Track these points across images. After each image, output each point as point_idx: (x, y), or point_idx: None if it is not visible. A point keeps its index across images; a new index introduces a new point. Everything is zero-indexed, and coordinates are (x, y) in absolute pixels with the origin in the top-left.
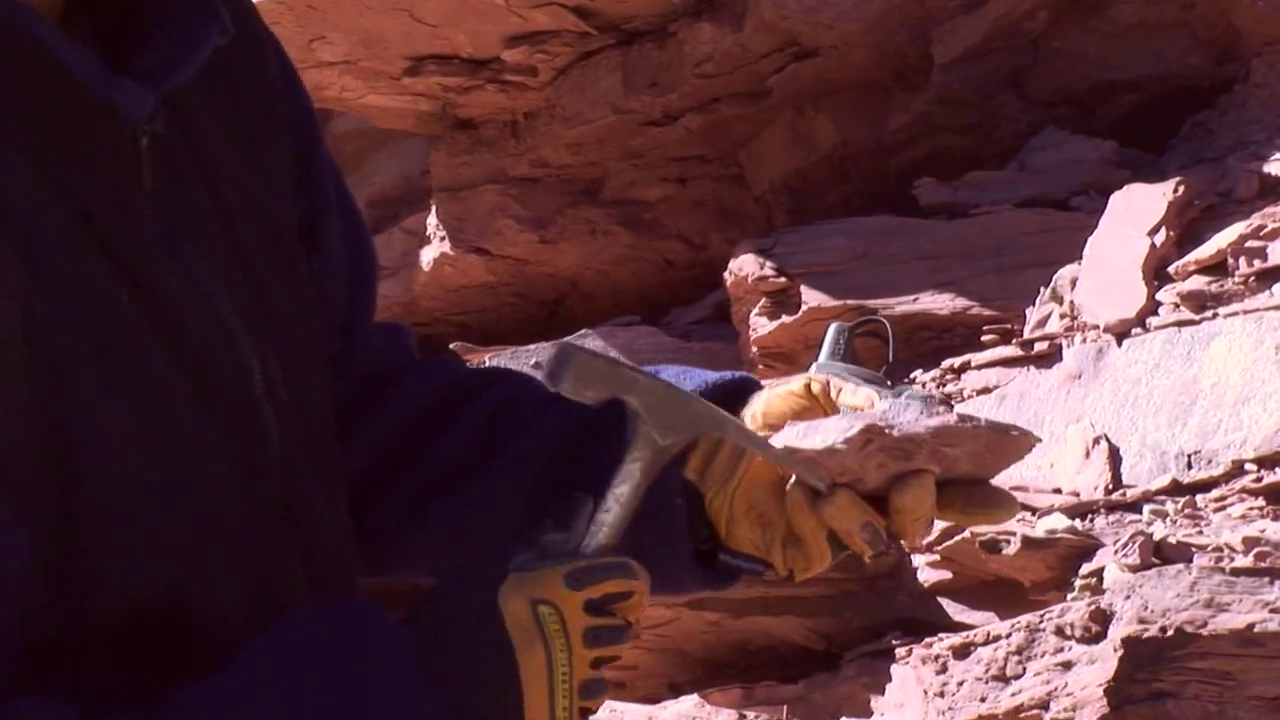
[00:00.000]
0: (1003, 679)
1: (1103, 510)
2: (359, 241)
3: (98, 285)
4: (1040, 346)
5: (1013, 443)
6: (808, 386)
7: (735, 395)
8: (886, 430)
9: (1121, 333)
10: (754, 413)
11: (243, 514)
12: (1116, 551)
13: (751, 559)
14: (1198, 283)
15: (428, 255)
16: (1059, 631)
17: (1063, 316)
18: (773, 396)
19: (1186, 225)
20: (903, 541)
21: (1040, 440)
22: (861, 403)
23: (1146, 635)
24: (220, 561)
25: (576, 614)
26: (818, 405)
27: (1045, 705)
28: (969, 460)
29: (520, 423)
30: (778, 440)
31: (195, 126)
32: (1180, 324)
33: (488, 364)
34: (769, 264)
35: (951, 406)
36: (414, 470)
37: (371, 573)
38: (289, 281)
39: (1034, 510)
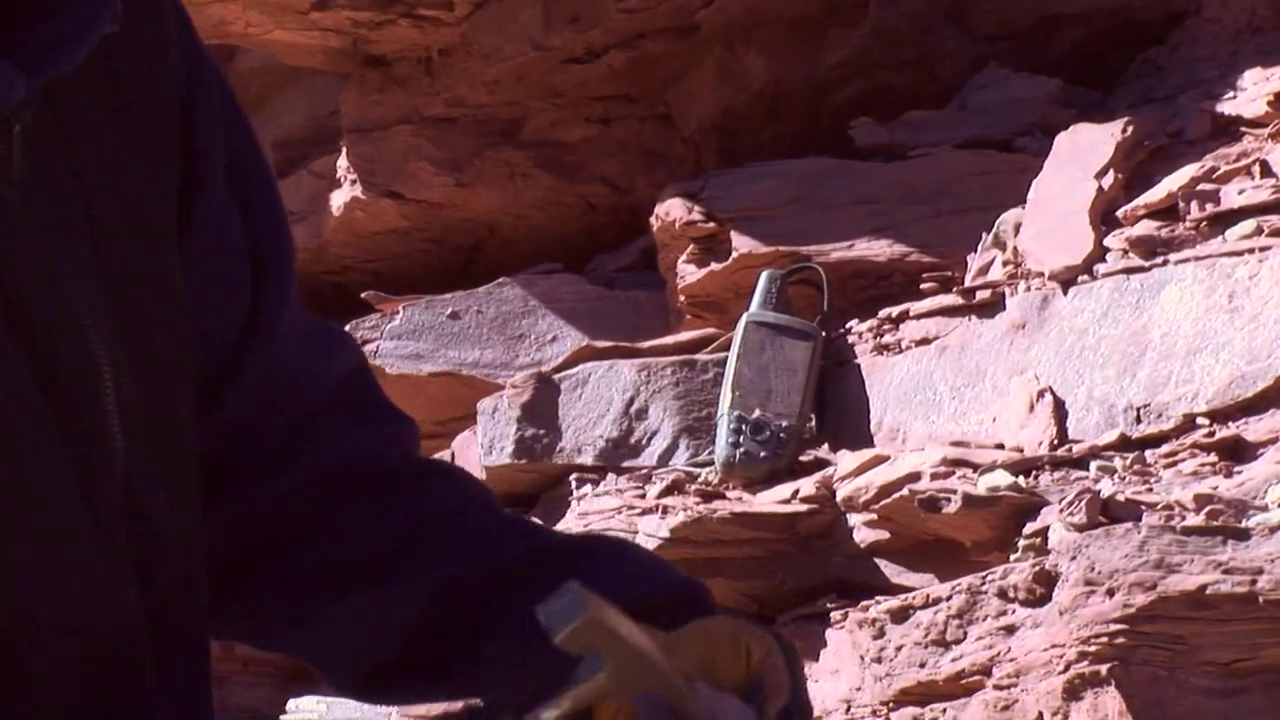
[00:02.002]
0: (943, 644)
1: (1047, 467)
2: (272, 233)
3: None
4: (982, 295)
5: None
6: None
7: (689, 602)
8: None
9: (1067, 280)
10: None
11: (85, 528)
12: (1062, 510)
13: None
14: (1147, 228)
15: (338, 199)
16: (1002, 594)
17: (1006, 263)
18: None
19: (1135, 167)
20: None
21: None
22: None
23: (1093, 598)
24: (60, 579)
25: None
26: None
27: (988, 671)
28: None
29: (447, 543)
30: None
31: (71, 119)
32: (1129, 271)
33: (402, 312)
34: (697, 208)
35: None
36: (317, 549)
37: (248, 642)
38: (156, 289)
39: (975, 467)
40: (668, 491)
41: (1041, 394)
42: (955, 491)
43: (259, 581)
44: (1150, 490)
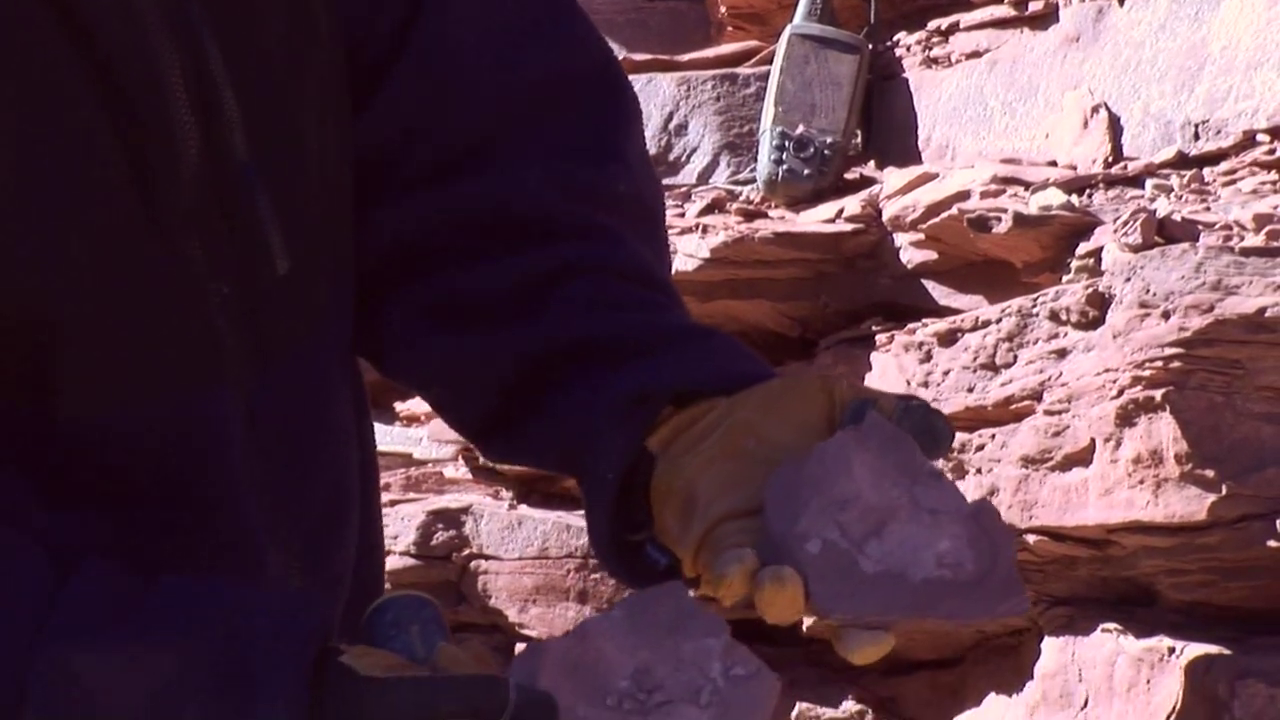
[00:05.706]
0: (992, 368)
1: (1102, 185)
2: None
3: None
4: (1035, 6)
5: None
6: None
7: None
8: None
9: None
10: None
11: (141, 226)
12: (1116, 229)
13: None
14: None
15: None
16: (1053, 316)
17: None
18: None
19: None
20: None
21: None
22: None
23: (1148, 320)
24: (107, 274)
25: None
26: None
27: (1038, 395)
28: None
29: (577, 302)
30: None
31: None
32: None
33: None
34: None
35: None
36: (446, 278)
37: (371, 361)
38: None
39: (1027, 185)
40: (708, 210)
41: (1096, 109)
42: (1006, 210)
43: (389, 296)
44: (1208, 209)
